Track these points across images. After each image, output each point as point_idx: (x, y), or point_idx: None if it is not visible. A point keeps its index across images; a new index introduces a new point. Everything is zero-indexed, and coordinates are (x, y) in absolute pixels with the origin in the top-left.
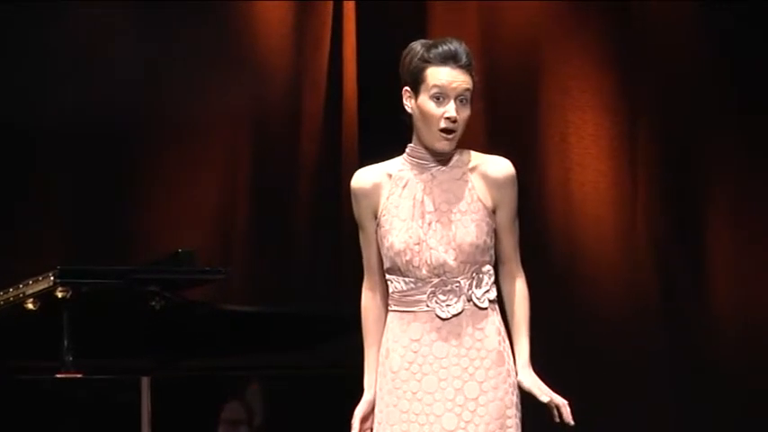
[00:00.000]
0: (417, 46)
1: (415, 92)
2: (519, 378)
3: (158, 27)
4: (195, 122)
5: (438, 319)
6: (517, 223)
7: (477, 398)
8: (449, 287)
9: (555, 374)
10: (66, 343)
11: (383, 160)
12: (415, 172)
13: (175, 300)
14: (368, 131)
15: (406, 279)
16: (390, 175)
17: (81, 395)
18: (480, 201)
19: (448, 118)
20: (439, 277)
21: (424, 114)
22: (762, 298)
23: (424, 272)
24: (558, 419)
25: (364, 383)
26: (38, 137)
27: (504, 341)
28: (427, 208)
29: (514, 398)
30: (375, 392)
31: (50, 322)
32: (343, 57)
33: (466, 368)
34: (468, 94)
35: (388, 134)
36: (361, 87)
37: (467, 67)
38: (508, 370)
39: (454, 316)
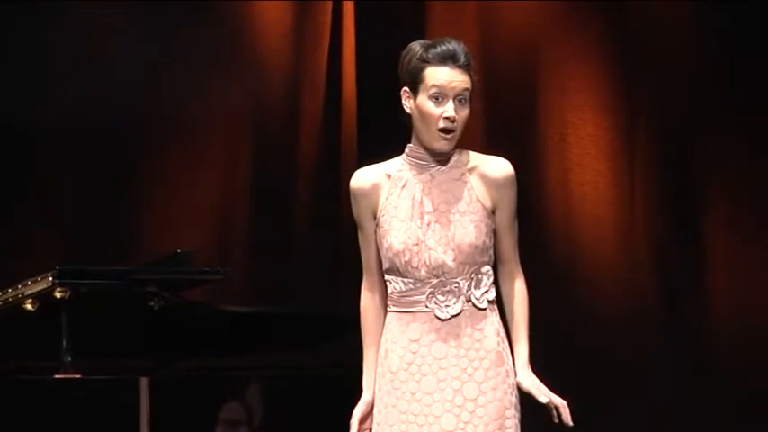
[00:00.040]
0: (416, 46)
1: (414, 92)
2: (518, 378)
3: (158, 27)
4: (195, 122)
5: (437, 320)
6: (516, 224)
7: (476, 398)
8: (448, 288)
9: (554, 375)
10: (64, 343)
11: (382, 160)
12: (414, 172)
13: (174, 300)
14: (367, 131)
15: (405, 279)
16: (389, 176)
17: (80, 395)
18: (479, 201)
19: (447, 118)
20: (438, 278)
21: (423, 114)
22: (761, 298)
23: (422, 272)
24: (556, 420)
25: (363, 384)
26: (38, 137)
27: (503, 342)
28: (426, 208)
29: (513, 398)
30: (374, 393)
31: (49, 323)
32: (342, 57)
33: (465, 369)
34: (466, 94)
35: (387, 134)
36: (361, 87)
37: (465, 67)
38: (507, 370)
39: (453, 316)
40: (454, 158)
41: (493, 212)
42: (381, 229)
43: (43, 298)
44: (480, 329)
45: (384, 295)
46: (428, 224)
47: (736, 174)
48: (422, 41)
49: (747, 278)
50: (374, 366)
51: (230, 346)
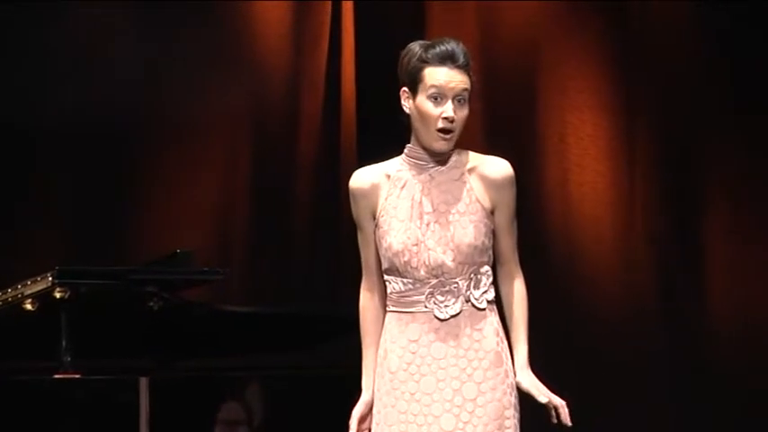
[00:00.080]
0: (415, 47)
1: (413, 92)
2: (517, 379)
3: (158, 27)
4: (195, 122)
5: (436, 320)
6: (516, 224)
7: (475, 398)
8: (447, 288)
9: (553, 375)
10: (64, 343)
11: (381, 160)
12: (414, 172)
13: (173, 300)
14: (366, 132)
15: (405, 280)
16: (389, 176)
17: (79, 395)
18: (479, 201)
19: (446, 118)
20: (437, 278)
21: (422, 114)
22: (760, 298)
23: (422, 273)
24: (555, 421)
25: (362, 384)
26: (38, 137)
27: (503, 342)
28: (425, 209)
29: (513, 398)
30: (373, 393)
31: (49, 323)
32: (341, 57)
33: (464, 369)
34: (465, 95)
35: (387, 134)
36: (360, 88)
37: (464, 68)
38: (506, 371)
39: (452, 317)
40: (453, 159)
41: (492, 213)
42: (381, 230)
43: (43, 298)
44: (479, 330)
45: (383, 295)
46: (427, 224)
47: (735, 174)
48: (421, 42)
49: (747, 278)
50: (373, 366)
51: (230, 347)
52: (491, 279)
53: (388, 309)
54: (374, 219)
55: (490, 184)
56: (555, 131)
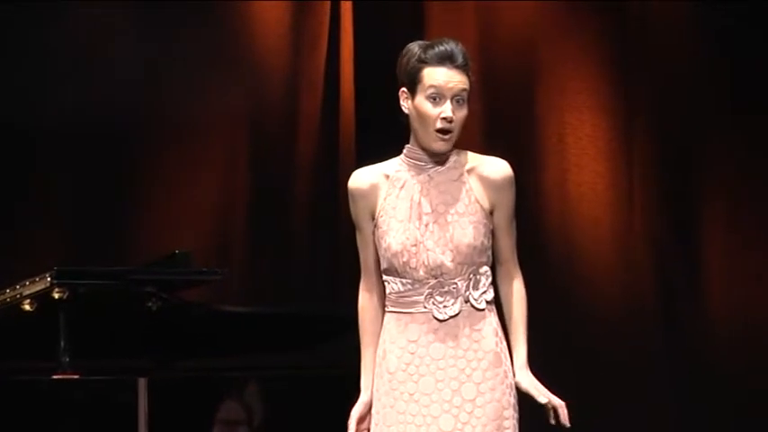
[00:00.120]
0: (414, 47)
1: (412, 92)
2: (516, 379)
3: (158, 27)
4: (195, 122)
5: (435, 321)
6: (514, 224)
7: (474, 399)
8: (446, 288)
9: (552, 375)
10: (63, 344)
11: (380, 161)
12: (413, 173)
13: (172, 300)
14: (365, 132)
15: (404, 280)
16: (388, 176)
17: (78, 396)
18: (478, 202)
19: (444, 118)
20: (436, 278)
21: (421, 115)
22: (759, 299)
23: (421, 273)
24: (554, 421)
25: (361, 384)
26: (38, 137)
27: (502, 342)
28: (424, 209)
29: (512, 399)
30: (372, 393)
31: (47, 323)
32: (340, 57)
33: (463, 369)
34: (464, 95)
35: (386, 135)
36: (359, 88)
37: (463, 68)
38: (505, 371)
39: (451, 317)
40: (452, 159)
41: (491, 213)
42: (380, 230)
43: (41, 298)
44: (478, 330)
45: (382, 296)
46: (426, 225)
47: (734, 174)
48: (420, 42)
49: (746, 279)
50: (372, 367)
51: (229, 347)
52: (490, 279)
53: (386, 309)
54: (373, 219)
55: (489, 184)
56: (554, 132)
